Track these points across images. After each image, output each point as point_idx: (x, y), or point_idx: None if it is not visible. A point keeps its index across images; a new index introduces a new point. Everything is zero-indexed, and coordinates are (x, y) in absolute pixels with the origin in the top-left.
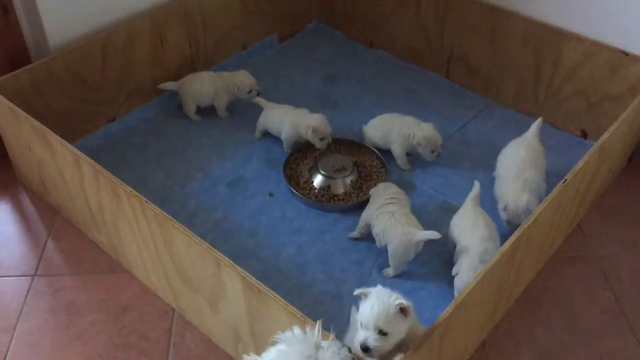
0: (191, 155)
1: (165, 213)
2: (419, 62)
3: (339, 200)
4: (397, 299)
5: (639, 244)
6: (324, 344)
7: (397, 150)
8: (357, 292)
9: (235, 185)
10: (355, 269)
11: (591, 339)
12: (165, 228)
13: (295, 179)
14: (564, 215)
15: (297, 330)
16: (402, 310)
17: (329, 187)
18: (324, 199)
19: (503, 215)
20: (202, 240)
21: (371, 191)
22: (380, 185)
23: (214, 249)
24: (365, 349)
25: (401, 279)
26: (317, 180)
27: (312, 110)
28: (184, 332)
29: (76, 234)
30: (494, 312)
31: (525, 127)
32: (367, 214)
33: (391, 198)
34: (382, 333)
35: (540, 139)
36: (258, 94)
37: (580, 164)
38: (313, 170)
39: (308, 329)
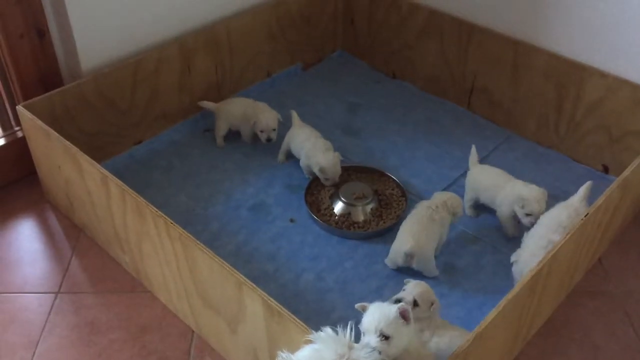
0: (215, 179)
1: (189, 234)
2: (441, 93)
3: (358, 227)
4: (396, 305)
5: None
6: (356, 344)
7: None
8: (357, 305)
9: (257, 210)
10: (374, 297)
11: None
12: (189, 249)
13: (316, 205)
14: (585, 249)
15: (328, 330)
16: (402, 315)
17: (349, 214)
18: (344, 226)
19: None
20: (225, 262)
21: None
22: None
23: (236, 271)
24: None
25: None
26: (338, 207)
27: (334, 138)
28: (202, 354)
29: (100, 253)
30: (513, 345)
31: (546, 160)
32: None
33: (440, 208)
34: (384, 337)
35: (587, 203)
36: (269, 140)
37: (602, 199)
38: (334, 197)
39: (340, 329)
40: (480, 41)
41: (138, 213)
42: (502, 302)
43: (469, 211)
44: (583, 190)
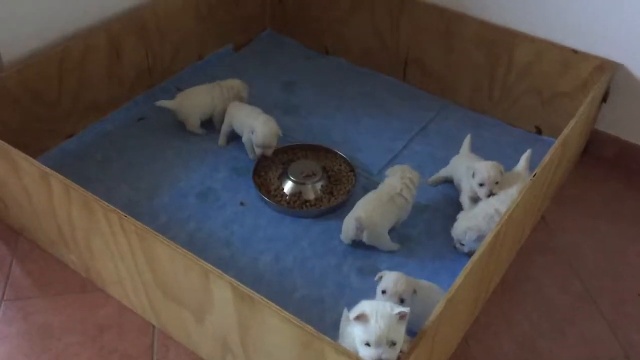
0: (156, 168)
1: (145, 226)
2: (375, 67)
3: (311, 205)
4: (394, 309)
5: (598, 230)
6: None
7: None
8: (352, 316)
9: (205, 196)
10: (334, 272)
11: (566, 325)
12: (147, 242)
13: (266, 187)
14: (532, 207)
15: None
16: (402, 317)
17: (300, 193)
18: (296, 205)
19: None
20: (188, 252)
21: (387, 171)
22: (397, 167)
23: (201, 260)
24: None
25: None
26: (288, 186)
27: (274, 117)
28: (167, 347)
29: (43, 256)
30: (475, 306)
31: (483, 126)
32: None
33: (404, 191)
34: (392, 344)
35: (529, 170)
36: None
37: (547, 158)
38: (283, 177)
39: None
40: (411, 12)
41: (86, 209)
42: (468, 266)
43: (433, 182)
44: (524, 159)
